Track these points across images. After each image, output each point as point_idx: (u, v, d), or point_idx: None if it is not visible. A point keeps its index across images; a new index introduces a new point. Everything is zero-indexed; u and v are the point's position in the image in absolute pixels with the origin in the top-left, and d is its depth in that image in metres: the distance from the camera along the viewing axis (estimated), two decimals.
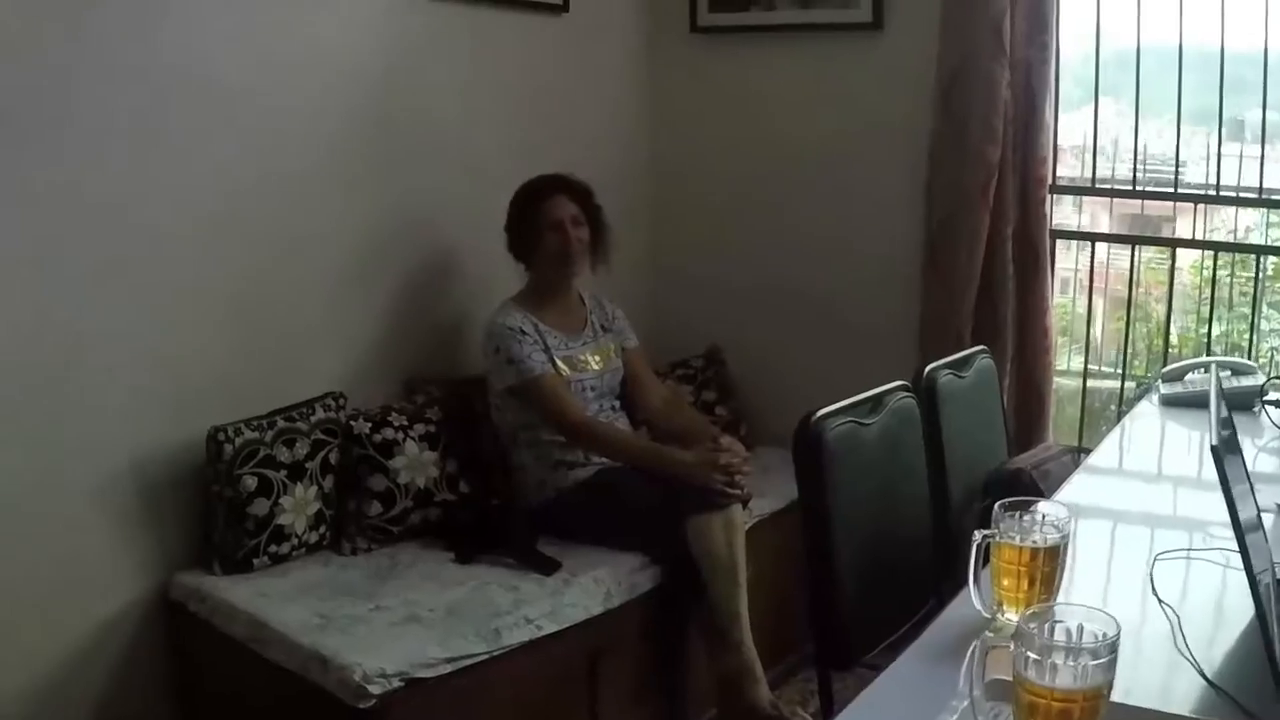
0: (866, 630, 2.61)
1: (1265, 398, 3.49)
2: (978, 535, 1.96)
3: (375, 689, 3.03)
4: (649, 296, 5.22)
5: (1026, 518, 1.97)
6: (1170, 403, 3.64)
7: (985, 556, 1.97)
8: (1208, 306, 4.55)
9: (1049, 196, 4.33)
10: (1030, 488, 3.22)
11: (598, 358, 4.16)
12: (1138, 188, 4.50)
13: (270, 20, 3.78)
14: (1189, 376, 3.72)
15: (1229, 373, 3.68)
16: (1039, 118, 4.21)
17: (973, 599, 1.97)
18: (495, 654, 3.31)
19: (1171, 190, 4.44)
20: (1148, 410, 3.66)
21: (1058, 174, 4.48)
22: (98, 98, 3.35)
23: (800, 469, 2.61)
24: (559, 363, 4.02)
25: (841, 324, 4.76)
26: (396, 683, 3.07)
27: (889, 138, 4.58)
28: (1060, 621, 1.53)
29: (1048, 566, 1.94)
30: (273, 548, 3.65)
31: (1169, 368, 3.83)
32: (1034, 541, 1.94)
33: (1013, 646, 1.48)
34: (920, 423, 2.98)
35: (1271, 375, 3.57)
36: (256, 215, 3.81)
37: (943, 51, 4.29)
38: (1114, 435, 3.44)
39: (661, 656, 3.88)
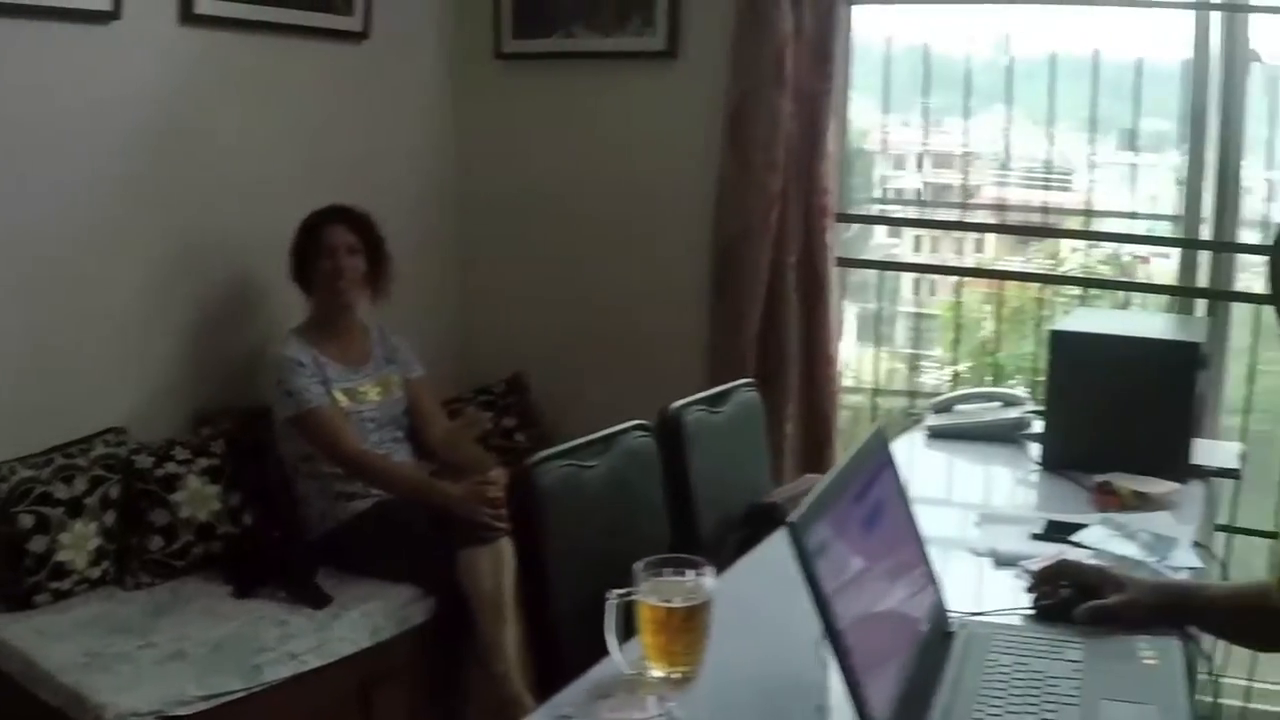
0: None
1: (1023, 430, 3.51)
2: (613, 595, 1.95)
3: None
4: (455, 323, 5.20)
5: (668, 576, 1.98)
6: (937, 435, 3.64)
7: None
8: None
9: (832, 225, 4.35)
10: (784, 521, 3.22)
11: (378, 389, 4.14)
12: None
13: (48, 54, 3.72)
14: (958, 408, 3.74)
15: (1000, 403, 3.71)
16: (821, 148, 4.24)
17: (615, 657, 1.97)
18: (255, 690, 3.29)
19: (959, 220, 4.50)
20: (913, 442, 3.66)
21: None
22: None
23: (514, 515, 2.61)
24: (337, 394, 4.00)
25: (642, 350, 4.76)
26: None
27: (684, 165, 4.60)
28: None
29: (691, 624, 1.95)
30: (54, 584, 3.60)
31: (937, 399, 3.85)
32: (673, 601, 1.94)
33: None
34: (659, 461, 2.98)
35: (1028, 409, 3.59)
36: (33, 250, 3.75)
37: (730, 81, 4.31)
38: None
39: (437, 688, 3.86)
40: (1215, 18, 4.23)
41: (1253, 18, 4.22)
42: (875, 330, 4.77)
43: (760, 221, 4.24)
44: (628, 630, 1.97)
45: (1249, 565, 3.99)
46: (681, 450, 3.09)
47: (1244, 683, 4.32)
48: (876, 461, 2.05)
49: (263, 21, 4.30)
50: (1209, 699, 2.48)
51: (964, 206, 4.73)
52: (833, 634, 1.61)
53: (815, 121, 4.24)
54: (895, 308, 5.00)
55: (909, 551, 2.08)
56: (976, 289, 4.90)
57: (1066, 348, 3.30)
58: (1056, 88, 4.44)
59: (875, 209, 4.96)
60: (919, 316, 5.01)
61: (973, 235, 4.95)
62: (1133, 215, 4.65)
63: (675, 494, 3.04)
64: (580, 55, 4.82)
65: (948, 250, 5.01)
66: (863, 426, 4.69)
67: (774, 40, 4.17)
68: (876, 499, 1.96)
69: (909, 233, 5.15)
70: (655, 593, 1.95)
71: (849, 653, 1.61)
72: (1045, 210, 4.70)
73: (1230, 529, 4.29)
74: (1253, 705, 4.37)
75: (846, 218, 4.58)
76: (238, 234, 4.31)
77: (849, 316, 4.88)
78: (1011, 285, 4.77)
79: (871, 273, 4.89)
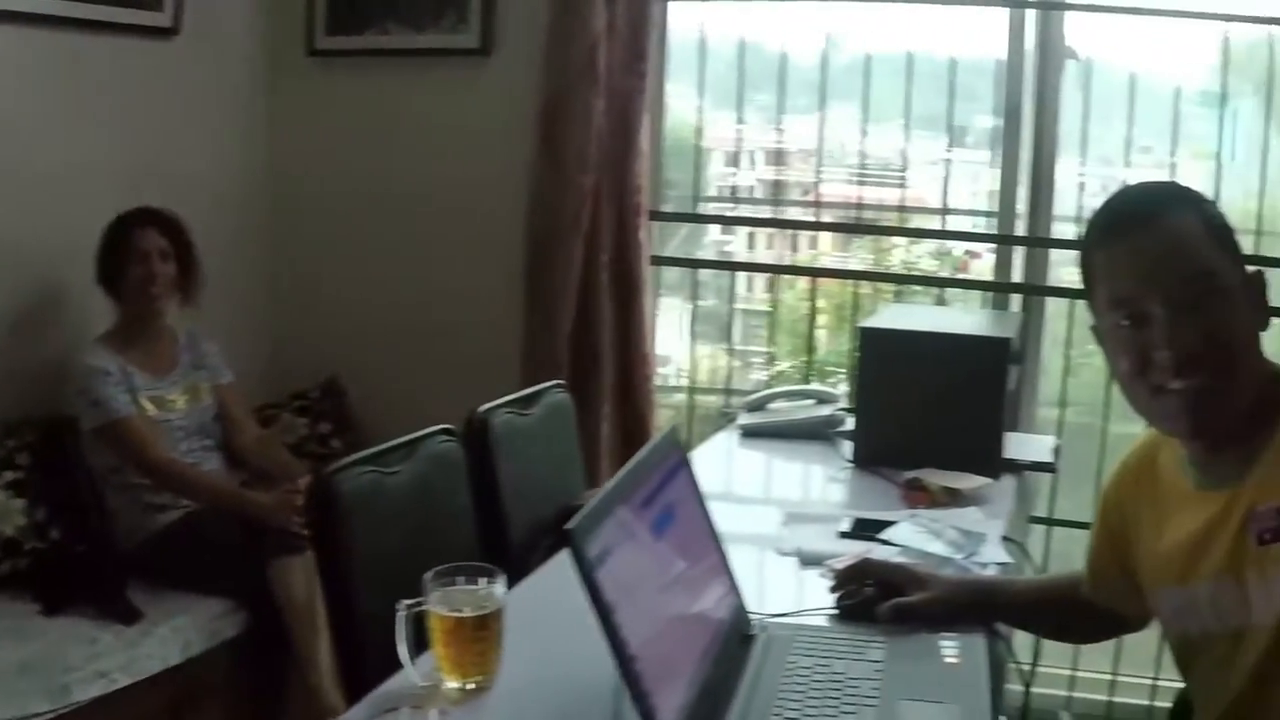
0: None
1: (835, 428, 3.52)
2: (403, 606, 1.93)
3: None
4: (269, 326, 5.09)
5: (460, 585, 1.96)
6: (750, 433, 3.64)
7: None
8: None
9: (646, 224, 4.34)
10: None
11: (186, 396, 4.06)
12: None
13: None
14: (772, 406, 3.74)
15: (813, 401, 3.72)
16: (634, 146, 4.23)
17: (407, 670, 1.93)
18: (63, 711, 3.20)
19: (775, 218, 4.52)
20: (726, 441, 3.66)
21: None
22: None
23: (313, 524, 2.56)
24: (144, 402, 3.91)
25: (460, 352, 4.70)
26: None
27: (497, 163, 4.57)
28: None
29: (483, 633, 1.92)
30: None
31: (750, 397, 3.85)
32: (464, 611, 1.92)
33: None
34: (465, 466, 2.94)
35: (839, 406, 3.60)
36: None
37: (543, 79, 4.27)
38: None
39: (253, 703, 3.79)
40: (1030, 15, 4.30)
41: (1068, 15, 4.30)
42: (691, 328, 4.78)
43: (572, 220, 4.22)
44: (422, 641, 1.94)
45: (1069, 557, 4.03)
46: (489, 454, 3.06)
47: (1067, 673, 4.39)
48: (669, 464, 2.03)
49: (67, 17, 4.16)
50: (1021, 691, 2.48)
51: (797, 204, 4.74)
52: (615, 643, 1.59)
53: (628, 119, 4.23)
54: (733, 305, 4.97)
55: (706, 555, 2.07)
56: (808, 285, 4.89)
57: (876, 345, 3.33)
58: (873, 85, 4.48)
59: (711, 207, 4.96)
60: (755, 314, 5.02)
61: (808, 232, 4.99)
62: (953, 211, 4.69)
63: (483, 499, 3.00)
64: (394, 53, 4.76)
65: (784, 246, 5.03)
66: (688, 426, 4.69)
67: (586, 37, 4.15)
68: (668, 502, 1.94)
69: (744, 230, 5.18)
70: (445, 602, 1.93)
71: (633, 661, 1.59)
72: (880, 207, 4.76)
73: (1049, 521, 4.37)
74: (1076, 694, 4.44)
75: (660, 216, 4.57)
76: (39, 236, 4.16)
77: (685, 314, 4.87)
78: (837, 282, 4.78)
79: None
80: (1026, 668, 2.79)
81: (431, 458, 2.81)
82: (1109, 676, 4.41)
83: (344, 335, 5.00)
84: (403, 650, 1.93)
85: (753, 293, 5.10)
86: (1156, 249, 1.87)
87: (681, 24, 4.59)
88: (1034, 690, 3.53)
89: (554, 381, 3.52)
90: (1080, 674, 4.44)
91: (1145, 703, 4.29)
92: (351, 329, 4.97)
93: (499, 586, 1.97)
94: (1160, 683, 4.10)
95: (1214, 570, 1.90)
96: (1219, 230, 1.90)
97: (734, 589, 2.12)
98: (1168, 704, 2.15)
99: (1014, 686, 2.69)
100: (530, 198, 4.34)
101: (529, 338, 4.36)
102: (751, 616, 2.15)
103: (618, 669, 1.59)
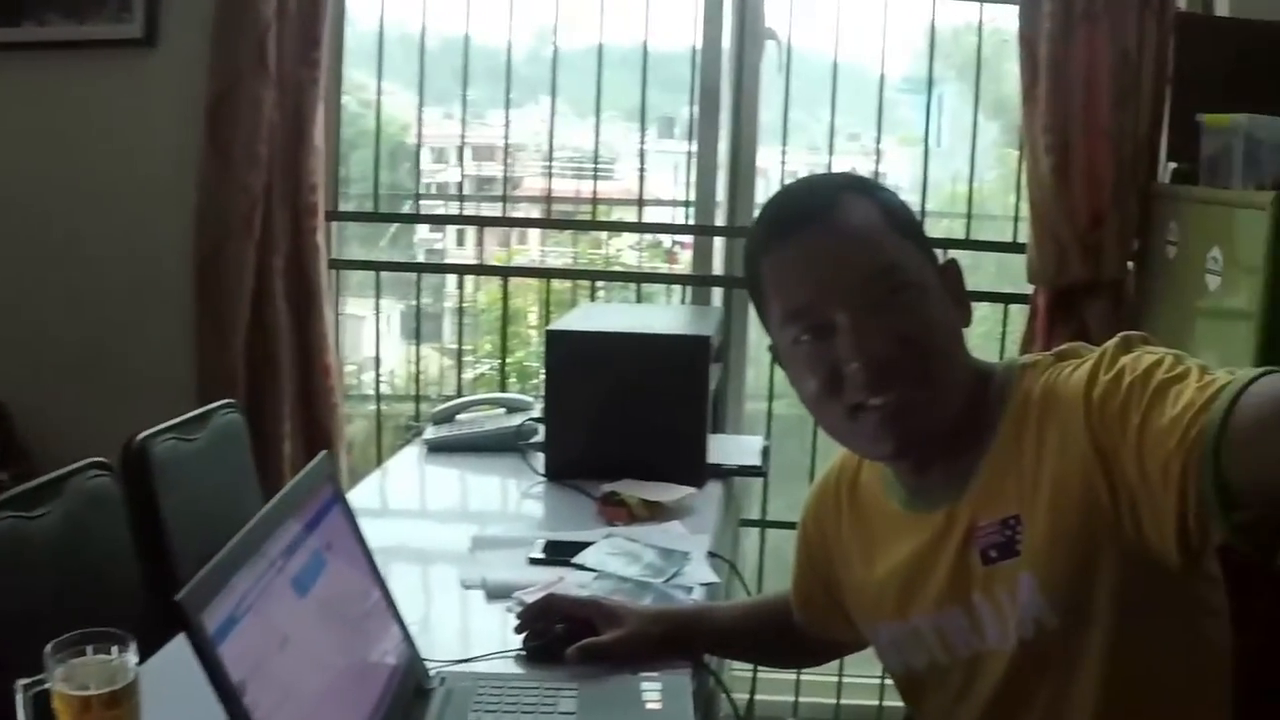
0: None
1: (527, 439, 3.31)
2: (19, 686, 1.67)
3: None
4: None
5: (90, 656, 1.69)
6: (437, 448, 3.42)
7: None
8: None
9: (324, 225, 4.09)
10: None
11: None
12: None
13: None
14: (461, 417, 3.53)
15: (504, 410, 3.52)
16: (308, 141, 3.96)
17: None
18: None
19: (458, 214, 4.36)
20: (410, 457, 3.44)
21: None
22: None
23: None
24: None
25: (133, 370, 4.34)
26: None
27: (164, 164, 4.19)
28: None
29: (115, 711, 1.66)
30: None
31: (438, 409, 3.63)
32: (90, 687, 1.66)
33: None
34: (124, 501, 2.67)
35: (532, 415, 3.39)
36: None
37: (212, 72, 3.97)
38: (363, 488, 3.20)
39: None
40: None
41: None
42: (375, 333, 4.52)
43: (243, 223, 3.92)
44: None
45: (784, 556, 3.92)
46: (149, 486, 2.80)
47: (791, 677, 4.31)
48: (317, 502, 1.79)
49: None
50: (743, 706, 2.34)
51: (493, 199, 4.53)
52: None
53: (301, 113, 3.95)
54: (444, 305, 4.83)
55: (367, 604, 1.85)
56: (523, 284, 4.79)
57: (564, 348, 3.16)
58: (585, 78, 4.30)
59: (418, 205, 4.68)
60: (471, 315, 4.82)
61: (518, 229, 4.89)
62: (654, 203, 4.57)
63: (145, 538, 2.74)
64: (53, 45, 4.34)
65: (494, 244, 4.84)
66: (382, 438, 4.44)
67: (256, 25, 3.86)
68: (316, 548, 1.72)
69: (453, 228, 4.97)
70: (69, 679, 1.66)
71: None
72: (578, 200, 4.56)
73: (761, 524, 4.29)
74: (803, 699, 4.39)
75: (339, 215, 4.32)
76: None
77: (394, 317, 4.69)
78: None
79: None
80: (743, 698, 2.66)
81: (83, 495, 2.54)
82: (835, 679, 4.34)
83: (4, 359, 4.59)
84: None
85: (479, 292, 4.90)
86: (831, 247, 1.68)
87: (395, 17, 4.35)
88: (758, 698, 3.43)
89: (224, 401, 3.25)
90: (806, 677, 4.35)
91: (874, 703, 4.25)
92: (13, 351, 4.56)
93: (131, 656, 1.70)
94: (890, 682, 4.02)
95: (936, 599, 1.75)
96: (901, 219, 1.74)
97: (405, 638, 1.91)
98: (898, 703, 1.98)
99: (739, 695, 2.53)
100: (198, 201, 4.02)
101: (202, 353, 4.04)
102: (430, 666, 1.94)
103: None
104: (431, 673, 1.93)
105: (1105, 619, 1.62)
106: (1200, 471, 1.41)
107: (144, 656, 1.73)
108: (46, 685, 1.66)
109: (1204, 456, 1.40)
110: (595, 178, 4.35)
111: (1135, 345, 1.61)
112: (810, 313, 1.67)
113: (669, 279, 4.68)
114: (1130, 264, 3.87)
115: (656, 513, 2.80)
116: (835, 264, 1.66)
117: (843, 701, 4.37)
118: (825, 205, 1.70)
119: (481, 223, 4.41)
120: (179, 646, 1.60)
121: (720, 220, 4.32)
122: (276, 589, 1.56)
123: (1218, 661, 1.73)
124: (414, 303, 4.41)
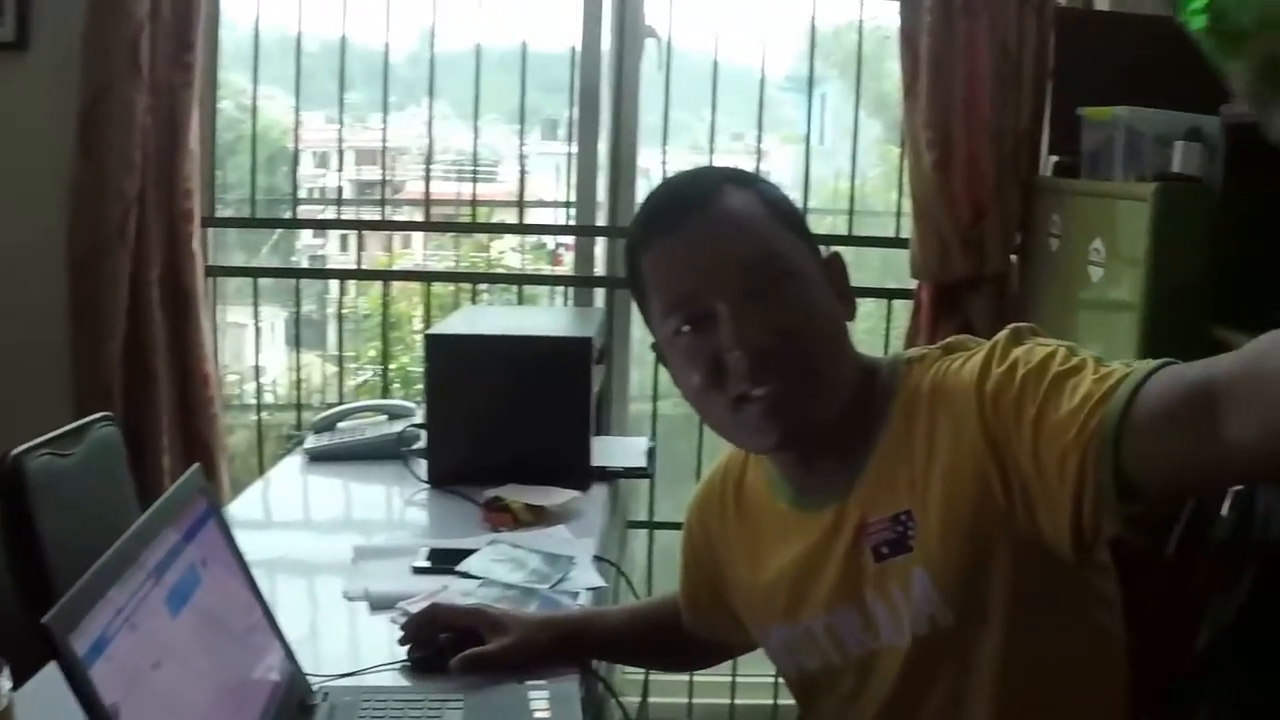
0: None
1: (410, 446, 3.27)
2: None
3: None
4: None
5: None
6: (317, 457, 3.37)
7: None
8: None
9: (200, 231, 4.02)
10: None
11: None
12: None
13: None
14: (341, 425, 3.48)
15: (386, 417, 3.48)
16: (183, 147, 3.89)
17: None
18: None
19: (338, 218, 4.30)
20: (291, 467, 3.38)
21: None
22: None
23: None
24: None
25: (5, 386, 4.12)
26: None
27: (35, 172, 4.08)
28: None
29: None
30: None
31: (318, 417, 3.58)
32: None
33: None
34: None
35: (414, 421, 3.35)
36: None
37: (84, 76, 3.88)
38: (244, 499, 3.15)
39: None
40: None
41: None
42: (255, 341, 4.44)
43: (117, 230, 3.83)
44: None
45: (672, 557, 3.92)
46: (25, 505, 2.71)
47: (684, 679, 4.29)
48: (191, 517, 1.74)
49: None
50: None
51: (374, 202, 4.51)
52: None
53: (175, 117, 3.87)
54: (326, 311, 4.76)
55: (247, 618, 1.81)
56: (403, 288, 4.75)
57: (444, 352, 3.14)
58: (466, 80, 4.27)
59: (299, 210, 4.61)
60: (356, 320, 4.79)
61: (401, 233, 4.85)
62: (535, 204, 4.58)
63: (21, 560, 2.66)
64: None
65: (378, 248, 4.84)
66: (264, 448, 4.38)
67: (128, 27, 3.77)
68: (191, 563, 1.67)
69: (335, 232, 4.93)
70: None
71: None
72: (458, 202, 4.53)
73: (649, 525, 4.28)
74: (697, 700, 4.38)
75: (215, 222, 4.25)
76: None
77: (278, 325, 4.63)
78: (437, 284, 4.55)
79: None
80: (635, 702, 2.65)
81: None
82: (729, 679, 4.32)
83: None
84: None
85: (361, 298, 4.90)
86: (711, 236, 1.67)
87: (272, 19, 4.30)
88: (651, 700, 3.42)
89: (100, 414, 3.16)
90: (699, 678, 4.33)
91: (769, 702, 4.21)
92: None
93: (5, 680, 1.64)
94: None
95: (827, 600, 1.74)
96: (783, 210, 1.73)
97: (287, 653, 1.86)
98: (793, 701, 1.96)
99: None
100: (71, 209, 3.93)
101: (77, 364, 3.95)
102: (313, 680, 1.90)
103: None
104: (315, 688, 1.89)
105: (1000, 612, 1.62)
106: (1099, 463, 1.41)
107: (22, 680, 1.69)
108: None
109: (1103, 448, 1.40)
110: (475, 180, 4.32)
111: (1026, 337, 1.61)
112: (691, 302, 1.66)
113: (551, 280, 4.67)
114: (1013, 257, 3.92)
115: (541, 517, 2.77)
116: (715, 253, 1.65)
117: (737, 701, 4.36)
118: (706, 196, 1.69)
119: (361, 227, 4.38)
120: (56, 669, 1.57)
121: (602, 221, 4.32)
122: (150, 607, 1.51)
123: (1112, 650, 1.74)
124: (296, 310, 4.35)
